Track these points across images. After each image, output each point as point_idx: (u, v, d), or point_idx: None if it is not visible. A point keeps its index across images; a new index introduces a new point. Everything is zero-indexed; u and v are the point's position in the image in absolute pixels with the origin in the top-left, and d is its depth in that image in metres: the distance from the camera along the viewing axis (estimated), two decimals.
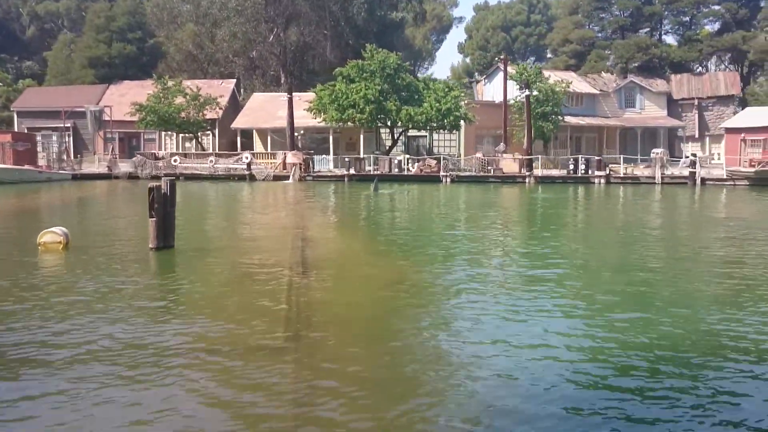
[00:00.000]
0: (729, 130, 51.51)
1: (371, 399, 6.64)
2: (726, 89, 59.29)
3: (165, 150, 54.27)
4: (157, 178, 47.14)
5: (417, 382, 7.05)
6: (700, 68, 67.74)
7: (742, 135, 49.41)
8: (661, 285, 12.09)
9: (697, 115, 59.08)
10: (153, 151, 51.89)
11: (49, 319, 9.41)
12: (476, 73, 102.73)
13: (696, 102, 59.23)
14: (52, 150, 52.73)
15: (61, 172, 47.27)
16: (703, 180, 38.47)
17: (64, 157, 50.13)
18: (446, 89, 46.59)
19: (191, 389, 6.83)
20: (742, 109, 57.82)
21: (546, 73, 52.35)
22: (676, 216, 26.42)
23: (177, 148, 55.62)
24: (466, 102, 48.53)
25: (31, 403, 6.45)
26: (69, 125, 54.22)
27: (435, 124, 45.83)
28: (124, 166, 48.71)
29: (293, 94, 49.69)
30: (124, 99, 56.61)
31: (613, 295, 11.14)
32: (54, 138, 55.66)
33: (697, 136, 58.68)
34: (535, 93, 46.35)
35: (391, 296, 11.04)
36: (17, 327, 8.96)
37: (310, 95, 51.01)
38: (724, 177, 39.27)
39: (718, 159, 52.82)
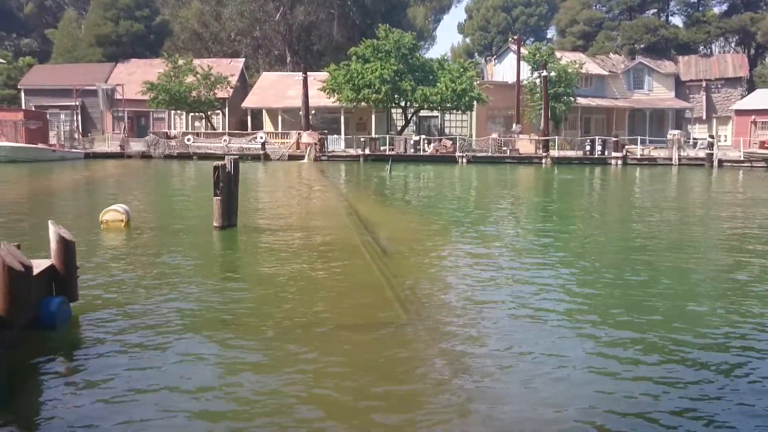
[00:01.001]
0: (739, 112, 51.88)
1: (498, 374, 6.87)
2: (734, 71, 59.50)
3: (175, 129, 54.11)
4: (170, 157, 47.56)
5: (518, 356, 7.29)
6: (706, 50, 67.84)
7: (753, 117, 49.79)
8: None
9: (704, 97, 59.33)
10: (165, 130, 51.70)
11: (160, 291, 9.61)
12: (476, 54, 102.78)
13: (704, 84, 59.46)
14: (62, 128, 52.39)
15: (73, 150, 47.04)
16: (720, 162, 38.81)
17: (76, 135, 49.83)
18: (461, 70, 46.58)
19: (334, 363, 7.04)
20: (750, 91, 58.13)
21: (558, 54, 52.39)
22: (701, 197, 26.70)
23: (186, 127, 55.47)
24: (478, 82, 48.54)
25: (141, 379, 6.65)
26: (77, 103, 53.88)
27: (450, 105, 45.88)
28: (136, 145, 48.51)
29: (300, 73, 49.61)
30: (132, 78, 56.29)
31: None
32: (62, 116, 55.39)
33: (704, 117, 58.98)
34: (552, 74, 46.41)
35: (477, 272, 11.25)
36: (149, 305, 9.12)
37: (322, 75, 50.88)
38: (741, 159, 39.62)
39: (725, 141, 53.23)
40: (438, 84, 45.73)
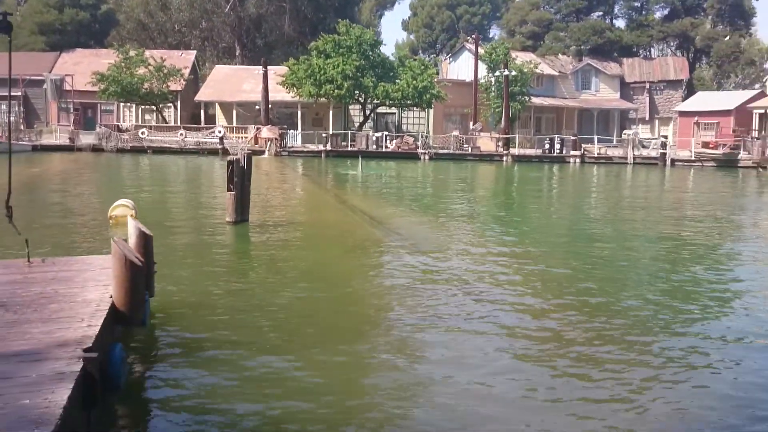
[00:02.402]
0: (682, 114, 53.97)
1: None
2: (675, 74, 61.86)
3: (125, 122, 52.56)
4: (123, 150, 46.20)
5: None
6: (647, 53, 70.24)
7: (696, 118, 51.87)
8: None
9: (647, 98, 61.47)
10: (117, 123, 50.17)
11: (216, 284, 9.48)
12: (420, 51, 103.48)
13: (647, 85, 61.57)
14: (3, 119, 50.15)
15: (20, 143, 45.10)
16: (672, 161, 40.37)
17: (22, 127, 47.82)
18: (422, 67, 46.89)
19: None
20: (689, 93, 60.55)
21: (512, 54, 53.34)
22: (653, 193, 27.83)
23: (137, 120, 53.92)
24: (437, 80, 48.97)
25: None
26: (21, 93, 51.70)
27: (410, 102, 46.11)
28: (87, 138, 46.88)
29: (258, 67, 48.95)
30: (78, 68, 54.38)
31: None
32: (2, 107, 52.98)
33: (647, 118, 61.11)
34: (513, 73, 47.24)
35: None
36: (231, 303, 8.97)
37: (279, 69, 50.32)
38: (692, 158, 41.30)
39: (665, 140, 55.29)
40: (399, 81, 45.90)
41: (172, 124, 51.67)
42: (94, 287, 6.86)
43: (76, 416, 4.58)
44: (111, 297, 6.39)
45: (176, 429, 5.52)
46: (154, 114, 53.74)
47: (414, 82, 45.08)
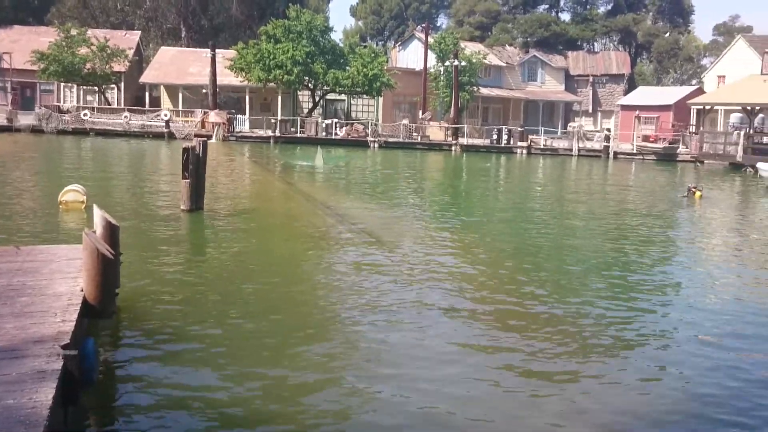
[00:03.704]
0: (624, 107, 55.38)
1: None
2: (617, 68, 63.38)
3: (65, 103, 50.96)
4: (64, 132, 44.82)
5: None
6: (590, 47, 71.75)
7: (637, 112, 53.20)
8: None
9: (591, 91, 62.86)
10: (57, 104, 48.61)
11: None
12: (368, 38, 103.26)
13: (590, 79, 62.92)
14: None
15: None
16: (615, 154, 41.45)
17: None
18: (372, 55, 46.82)
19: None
20: (630, 87, 62.17)
21: (461, 44, 53.75)
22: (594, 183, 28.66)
23: (78, 101, 52.32)
24: (387, 68, 48.99)
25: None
26: None
27: (360, 89, 46.02)
28: (26, 119, 45.30)
29: (206, 50, 48.09)
30: (16, 46, 52.47)
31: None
32: None
33: (590, 111, 62.51)
34: (462, 63, 47.59)
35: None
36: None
37: (227, 52, 49.56)
38: (634, 151, 42.47)
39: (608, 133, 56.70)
40: (349, 68, 45.76)
41: (115, 106, 50.41)
42: (62, 279, 6.74)
43: (57, 414, 4.54)
44: (82, 290, 6.30)
45: (149, 421, 5.51)
46: (97, 95, 52.27)
47: (364, 69, 45.00)
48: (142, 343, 7.08)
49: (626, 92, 60.86)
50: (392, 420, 5.70)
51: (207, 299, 8.69)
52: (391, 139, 43.91)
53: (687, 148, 42.42)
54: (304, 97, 52.11)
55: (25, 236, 11.71)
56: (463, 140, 43.97)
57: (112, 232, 7.89)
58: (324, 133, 44.07)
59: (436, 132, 44.89)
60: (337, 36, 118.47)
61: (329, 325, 8.00)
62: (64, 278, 6.85)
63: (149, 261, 10.54)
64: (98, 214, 7.90)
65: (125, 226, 13.02)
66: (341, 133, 44.24)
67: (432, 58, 51.45)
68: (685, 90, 53.60)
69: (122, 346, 7.00)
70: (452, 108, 46.47)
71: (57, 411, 4.45)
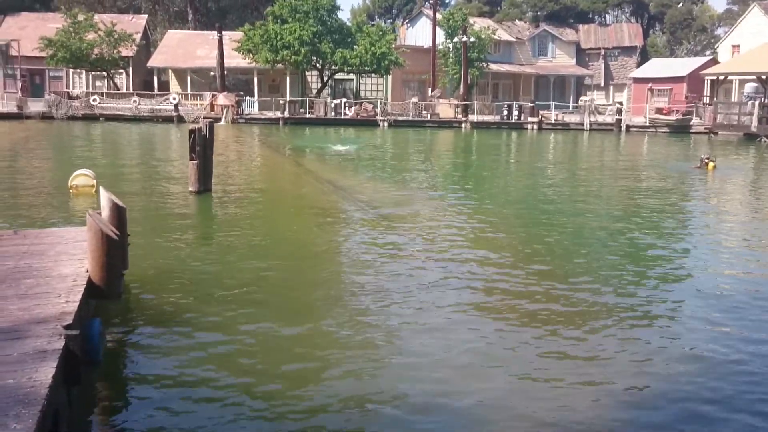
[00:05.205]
0: (636, 80, 54.72)
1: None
2: (630, 40, 62.57)
3: (75, 89, 51.05)
4: (74, 118, 44.92)
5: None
6: (601, 19, 70.88)
7: (649, 84, 52.61)
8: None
9: (603, 65, 62.14)
10: (67, 90, 48.69)
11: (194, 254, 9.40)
12: (377, 16, 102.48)
13: (602, 52, 62.19)
14: None
15: None
16: (627, 127, 41.04)
17: None
18: (380, 33, 46.43)
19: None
20: (643, 59, 61.39)
21: (470, 20, 53.20)
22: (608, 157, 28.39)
23: (87, 87, 52.40)
24: (395, 46, 48.62)
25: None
26: None
27: (368, 68, 45.72)
28: (36, 106, 45.40)
29: (212, 32, 47.93)
30: (24, 33, 52.40)
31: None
32: None
33: (602, 84, 61.86)
34: (472, 39, 47.12)
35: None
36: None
37: (234, 34, 49.34)
38: (647, 124, 42.03)
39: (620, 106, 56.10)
40: (357, 47, 45.43)
41: (124, 90, 50.43)
42: (68, 261, 6.72)
43: (59, 394, 4.51)
44: (87, 271, 6.27)
45: (157, 402, 5.49)
46: (105, 81, 52.24)
47: (372, 48, 44.66)
48: (150, 324, 7.06)
49: (639, 65, 60.08)
50: (406, 400, 5.65)
51: (214, 280, 8.65)
52: (400, 118, 43.68)
53: (701, 119, 41.86)
54: (313, 78, 51.84)
55: (35, 220, 11.75)
56: (474, 117, 43.66)
57: (119, 214, 7.84)
58: (333, 113, 43.89)
59: (445, 109, 44.59)
60: (344, 15, 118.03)
61: (338, 306, 7.93)
62: (71, 260, 6.83)
63: (157, 243, 10.53)
64: (105, 196, 7.86)
65: (134, 209, 13.07)
66: (350, 112, 44.05)
67: (441, 34, 50.95)
68: (699, 61, 52.82)
69: (130, 327, 6.98)
70: (462, 85, 46.11)
71: (59, 391, 4.42)
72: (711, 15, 72.71)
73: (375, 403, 5.51)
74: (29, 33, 51.46)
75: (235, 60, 48.34)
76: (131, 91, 49.73)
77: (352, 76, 51.20)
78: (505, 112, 43.47)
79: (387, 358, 6.39)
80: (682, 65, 53.03)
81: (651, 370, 6.27)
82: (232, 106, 43.84)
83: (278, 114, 44.00)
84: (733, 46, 52.53)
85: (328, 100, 46.64)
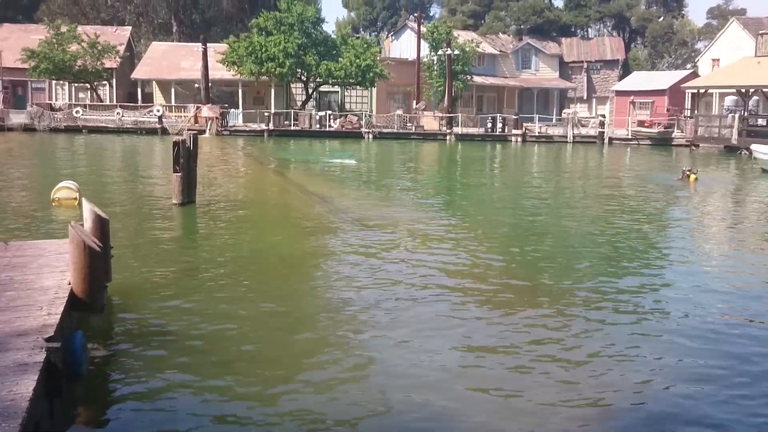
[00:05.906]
0: (619, 93, 55.25)
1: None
2: (612, 53, 63.19)
3: (57, 100, 50.75)
4: (56, 130, 44.63)
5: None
6: (583, 33, 71.57)
7: (631, 97, 53.18)
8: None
9: (585, 78, 62.69)
10: (50, 102, 48.39)
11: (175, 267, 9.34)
12: (361, 29, 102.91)
13: (585, 65, 62.75)
14: None
15: None
16: (610, 139, 41.40)
17: None
18: (365, 45, 46.62)
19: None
20: (624, 72, 62.02)
21: (454, 33, 53.56)
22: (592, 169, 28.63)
23: (70, 98, 52.06)
24: (380, 58, 48.80)
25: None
26: None
27: (353, 81, 45.84)
28: (17, 117, 45.09)
29: (197, 44, 47.87)
30: (6, 44, 52.08)
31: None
32: None
33: (585, 97, 62.38)
34: (456, 52, 47.41)
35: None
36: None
37: (219, 46, 49.33)
38: (629, 137, 42.43)
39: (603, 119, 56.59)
40: (342, 59, 45.55)
41: (107, 102, 50.21)
42: (50, 273, 6.67)
43: (40, 407, 4.47)
44: (69, 284, 6.22)
45: (140, 416, 5.45)
46: (89, 92, 52.00)
47: (357, 60, 44.81)
48: (133, 336, 7.01)
49: (621, 78, 60.70)
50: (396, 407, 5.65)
51: (198, 292, 8.62)
52: (385, 130, 43.79)
53: (682, 132, 42.31)
54: (297, 90, 51.88)
55: (18, 233, 11.64)
56: (458, 129, 43.87)
57: (101, 226, 7.79)
58: (318, 126, 43.92)
59: (430, 122, 44.79)
60: (329, 27, 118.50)
61: (323, 314, 7.94)
62: (53, 272, 6.77)
63: (141, 255, 10.47)
64: (87, 208, 7.81)
65: (117, 221, 13.02)
66: (335, 125, 44.11)
67: (425, 47, 51.25)
68: (680, 74, 53.46)
69: (112, 339, 6.93)
70: (446, 97, 46.36)
71: (40, 403, 4.38)
72: (691, 29, 73.65)
73: (352, 415, 5.50)
74: (11, 44, 51.17)
75: (219, 72, 48.31)
76: (115, 103, 49.53)
77: (337, 88, 51.33)
78: (489, 125, 43.72)
79: (367, 369, 6.39)
80: (663, 78, 53.66)
81: (634, 380, 6.31)
82: (217, 118, 43.76)
83: (263, 126, 43.94)
84: (713, 60, 53.23)
85: (313, 112, 46.68)
